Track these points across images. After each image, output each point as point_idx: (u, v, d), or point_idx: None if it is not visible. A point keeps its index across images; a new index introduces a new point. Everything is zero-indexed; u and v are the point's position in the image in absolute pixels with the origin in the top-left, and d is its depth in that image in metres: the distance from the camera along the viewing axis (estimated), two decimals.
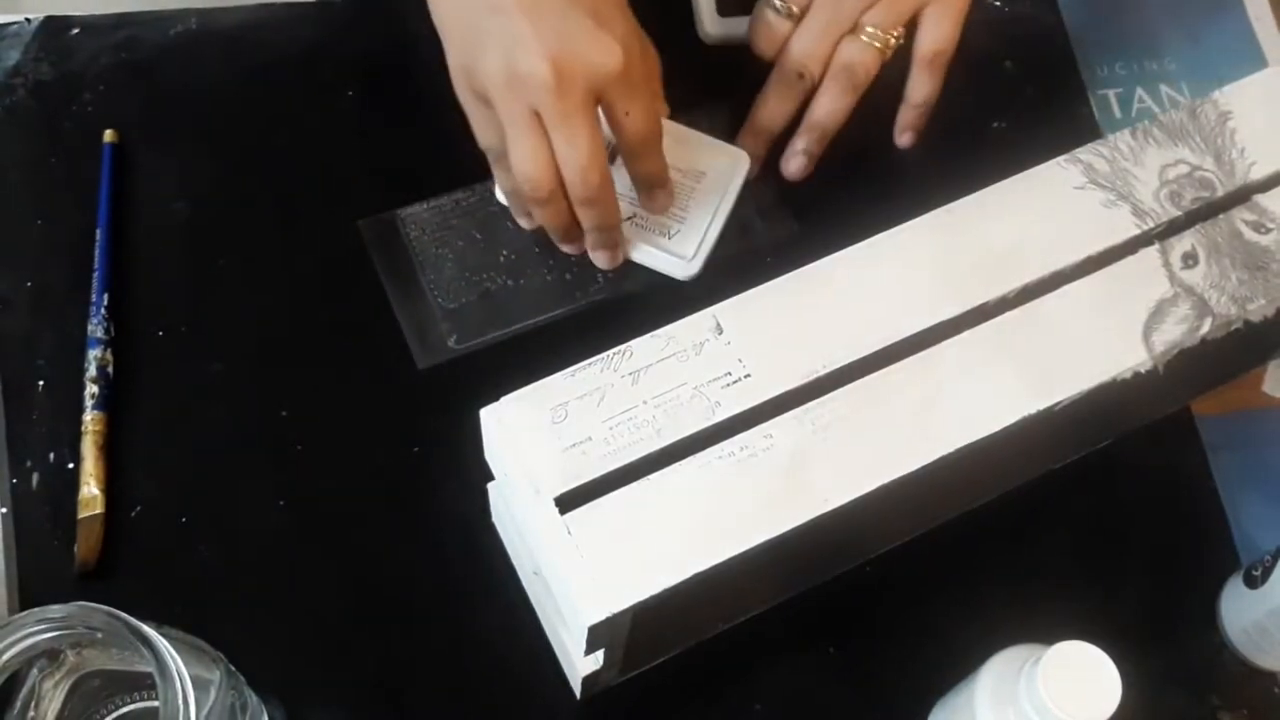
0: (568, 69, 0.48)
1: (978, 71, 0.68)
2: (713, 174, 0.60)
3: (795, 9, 0.60)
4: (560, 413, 0.44)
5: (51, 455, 0.56)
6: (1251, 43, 0.70)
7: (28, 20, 0.65)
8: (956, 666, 0.49)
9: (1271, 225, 0.49)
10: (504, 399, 0.44)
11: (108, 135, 0.63)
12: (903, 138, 0.64)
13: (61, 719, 0.45)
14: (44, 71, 0.65)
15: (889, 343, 0.46)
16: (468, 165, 0.59)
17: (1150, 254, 0.49)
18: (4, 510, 0.55)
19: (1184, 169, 0.51)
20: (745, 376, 0.45)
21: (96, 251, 0.60)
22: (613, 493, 0.43)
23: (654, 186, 0.58)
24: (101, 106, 0.64)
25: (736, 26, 0.64)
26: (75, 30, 0.66)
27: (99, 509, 0.54)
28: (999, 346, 0.47)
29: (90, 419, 0.56)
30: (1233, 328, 0.48)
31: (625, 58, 0.50)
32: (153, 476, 0.56)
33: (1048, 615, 0.51)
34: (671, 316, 0.46)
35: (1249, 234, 0.49)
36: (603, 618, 0.41)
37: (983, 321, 0.47)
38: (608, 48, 0.49)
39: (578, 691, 0.52)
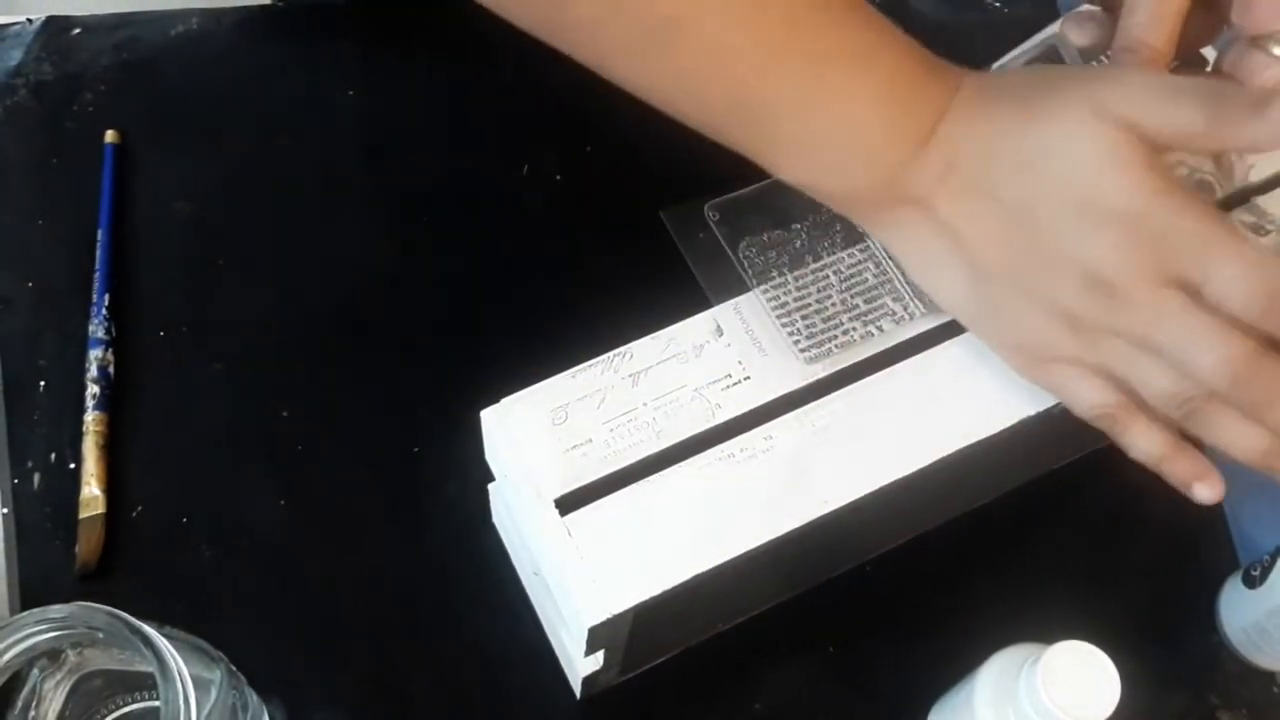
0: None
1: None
2: None
3: None
4: (561, 414, 0.44)
5: (53, 455, 0.56)
6: None
7: (29, 21, 0.65)
8: (956, 666, 0.49)
9: (1270, 227, 0.49)
10: (505, 400, 0.44)
11: (109, 135, 0.63)
12: None
13: (62, 719, 0.45)
14: (45, 71, 0.65)
15: (889, 344, 0.46)
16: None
17: None
18: (5, 510, 0.55)
19: (1183, 171, 0.50)
20: (745, 379, 0.45)
21: (98, 251, 0.60)
22: (613, 494, 0.43)
23: None
24: (103, 106, 0.64)
25: None
26: (76, 30, 0.66)
27: (100, 509, 0.54)
28: None
29: (91, 419, 0.56)
30: None
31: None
32: (153, 476, 0.56)
33: (1048, 615, 0.51)
34: (672, 318, 0.46)
35: (1248, 236, 0.49)
36: (603, 619, 0.41)
37: None
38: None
39: (578, 691, 0.52)
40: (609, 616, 0.41)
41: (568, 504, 0.43)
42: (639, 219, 0.62)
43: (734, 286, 0.47)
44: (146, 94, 0.65)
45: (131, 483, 0.56)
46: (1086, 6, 0.48)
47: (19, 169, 0.63)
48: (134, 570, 0.54)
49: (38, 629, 0.40)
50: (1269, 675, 0.56)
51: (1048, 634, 0.44)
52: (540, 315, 0.60)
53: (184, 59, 0.66)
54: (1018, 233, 0.41)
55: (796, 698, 0.54)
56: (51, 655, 0.43)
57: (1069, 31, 0.48)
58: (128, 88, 0.65)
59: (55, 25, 0.66)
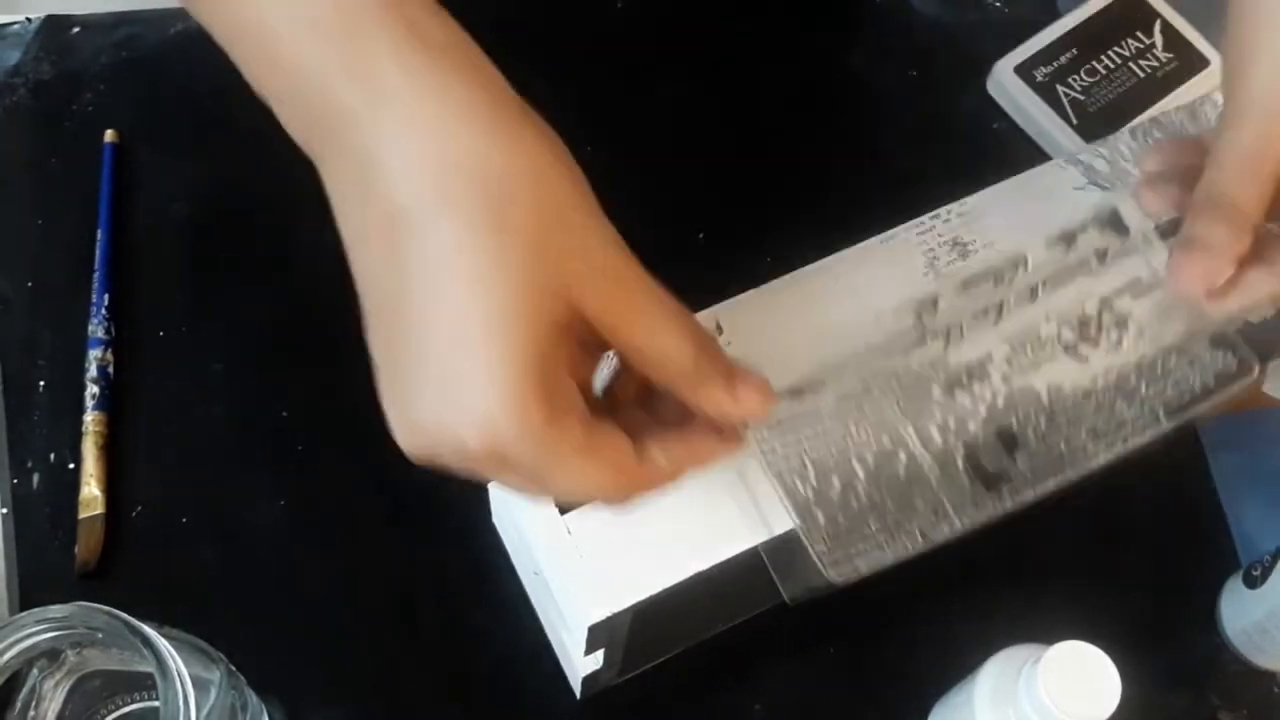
0: (425, 457, 0.34)
1: (978, 71, 0.68)
2: None
3: None
4: None
5: (52, 455, 0.56)
6: None
7: (28, 20, 0.65)
8: (956, 666, 0.49)
9: (1271, 225, 0.49)
10: None
11: (108, 135, 0.63)
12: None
13: (62, 719, 0.45)
14: (44, 71, 0.65)
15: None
16: None
17: None
18: (4, 511, 0.55)
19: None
20: None
21: (97, 252, 0.59)
22: None
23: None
24: (102, 106, 0.64)
25: None
26: (75, 29, 0.66)
27: (100, 509, 0.54)
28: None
29: (91, 419, 0.56)
30: (1233, 328, 0.48)
31: (482, 434, 0.32)
32: (153, 476, 0.56)
33: (1048, 615, 0.51)
34: None
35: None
36: (603, 618, 0.41)
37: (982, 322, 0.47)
38: (455, 431, 0.32)
39: (578, 691, 0.52)
40: (609, 616, 0.41)
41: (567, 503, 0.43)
42: (639, 219, 0.62)
43: None
44: (146, 93, 0.64)
45: (131, 483, 0.56)
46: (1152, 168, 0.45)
47: (18, 169, 0.63)
48: (133, 570, 0.54)
49: (37, 629, 0.40)
50: (1270, 676, 0.56)
51: (1048, 634, 0.44)
52: None
53: (184, 57, 0.65)
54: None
55: (796, 698, 0.54)
56: (51, 655, 0.43)
57: (1145, 201, 0.44)
58: (127, 86, 0.64)
59: (54, 24, 0.65)
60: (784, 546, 0.40)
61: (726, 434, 0.37)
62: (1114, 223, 0.44)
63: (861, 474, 0.41)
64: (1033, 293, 0.44)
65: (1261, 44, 0.40)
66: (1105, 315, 0.43)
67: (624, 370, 0.37)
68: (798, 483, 0.40)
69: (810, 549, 0.39)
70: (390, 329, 0.33)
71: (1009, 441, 0.41)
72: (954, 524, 0.40)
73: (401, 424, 0.34)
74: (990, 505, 0.40)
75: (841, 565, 0.39)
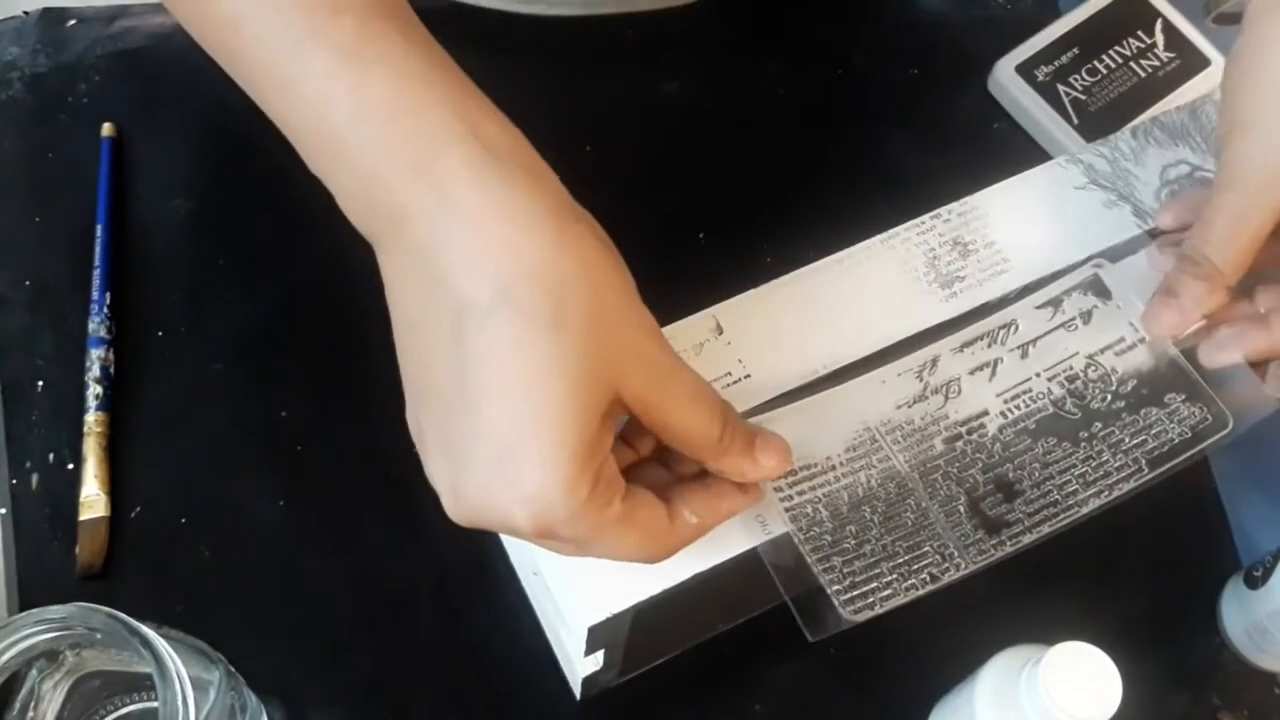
0: (470, 524, 0.37)
1: (978, 71, 0.68)
2: None
3: None
4: None
5: (51, 455, 0.56)
6: None
7: (25, 13, 0.65)
8: (956, 666, 0.49)
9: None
10: None
11: (106, 129, 0.62)
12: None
13: None
14: (40, 64, 0.64)
15: (889, 343, 0.46)
16: None
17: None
18: (3, 511, 0.55)
19: (1185, 169, 0.50)
20: (745, 377, 0.45)
21: (97, 249, 0.59)
22: None
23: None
24: (99, 99, 0.64)
25: None
26: (72, 22, 0.65)
27: (104, 511, 0.54)
28: (999, 347, 0.46)
29: (93, 420, 0.55)
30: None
31: (533, 513, 0.35)
32: (152, 477, 0.56)
33: (1048, 615, 0.51)
34: (672, 317, 0.46)
35: None
36: (603, 618, 0.41)
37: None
38: (506, 508, 0.35)
39: (578, 692, 0.52)
40: (609, 616, 0.41)
41: None
42: (638, 219, 0.62)
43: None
44: (143, 86, 0.64)
45: (131, 483, 0.55)
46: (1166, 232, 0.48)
47: (15, 164, 0.62)
48: (133, 571, 0.54)
49: (36, 630, 0.40)
50: (1270, 676, 0.56)
51: (1049, 634, 0.44)
52: None
53: (181, 50, 0.65)
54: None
55: (796, 698, 0.54)
56: (50, 656, 0.43)
57: (1153, 261, 0.47)
58: (124, 80, 0.64)
59: (51, 17, 0.65)
60: (803, 585, 0.42)
61: (747, 487, 0.40)
62: (1097, 287, 0.47)
63: (874, 522, 0.43)
64: (1024, 352, 0.46)
65: (1255, 115, 0.43)
66: (1091, 371, 0.46)
67: (642, 429, 0.39)
68: (815, 531, 0.42)
69: (830, 593, 0.42)
70: (445, 411, 0.35)
71: (1008, 489, 0.44)
72: (960, 567, 0.43)
73: (451, 495, 0.36)
74: (993, 549, 0.43)
75: (859, 607, 0.42)
